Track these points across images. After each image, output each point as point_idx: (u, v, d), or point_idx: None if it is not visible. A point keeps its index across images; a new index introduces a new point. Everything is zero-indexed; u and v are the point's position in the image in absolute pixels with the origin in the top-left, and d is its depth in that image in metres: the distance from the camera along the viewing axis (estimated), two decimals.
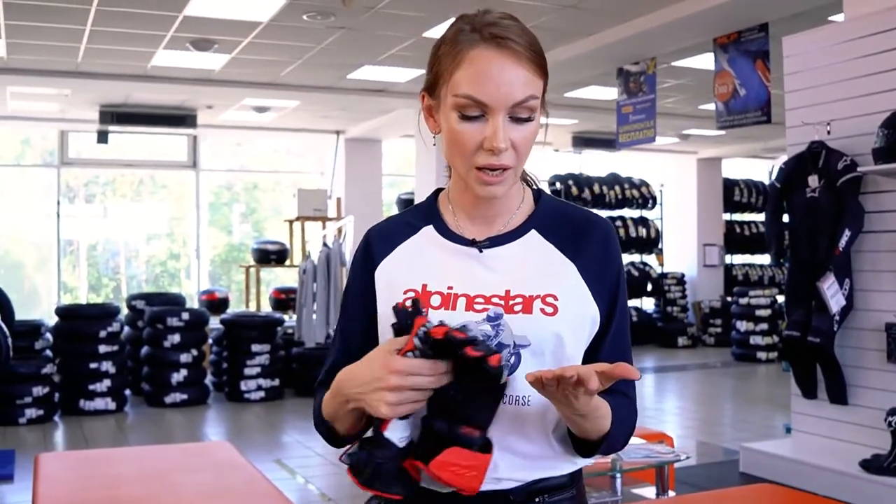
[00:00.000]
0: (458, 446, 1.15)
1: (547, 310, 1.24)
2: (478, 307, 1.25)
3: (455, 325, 1.13)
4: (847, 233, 4.74)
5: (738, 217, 14.12)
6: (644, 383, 9.53)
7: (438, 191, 1.42)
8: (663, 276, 13.37)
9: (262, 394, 8.28)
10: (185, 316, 8.12)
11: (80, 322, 7.79)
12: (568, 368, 1.08)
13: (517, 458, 1.26)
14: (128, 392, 8.14)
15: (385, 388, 1.14)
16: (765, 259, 14.17)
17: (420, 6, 6.19)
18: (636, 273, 13.07)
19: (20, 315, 7.40)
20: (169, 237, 12.48)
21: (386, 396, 1.14)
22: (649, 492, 3.89)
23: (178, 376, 7.99)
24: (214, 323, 8.85)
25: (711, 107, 7.08)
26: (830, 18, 6.06)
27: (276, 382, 8.40)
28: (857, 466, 4.58)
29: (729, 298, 12.72)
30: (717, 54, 6.52)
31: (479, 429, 1.17)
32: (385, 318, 1.29)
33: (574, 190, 12.47)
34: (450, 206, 1.37)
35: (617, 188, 12.90)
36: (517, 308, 1.25)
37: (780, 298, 10.68)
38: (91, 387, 7.58)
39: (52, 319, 8.16)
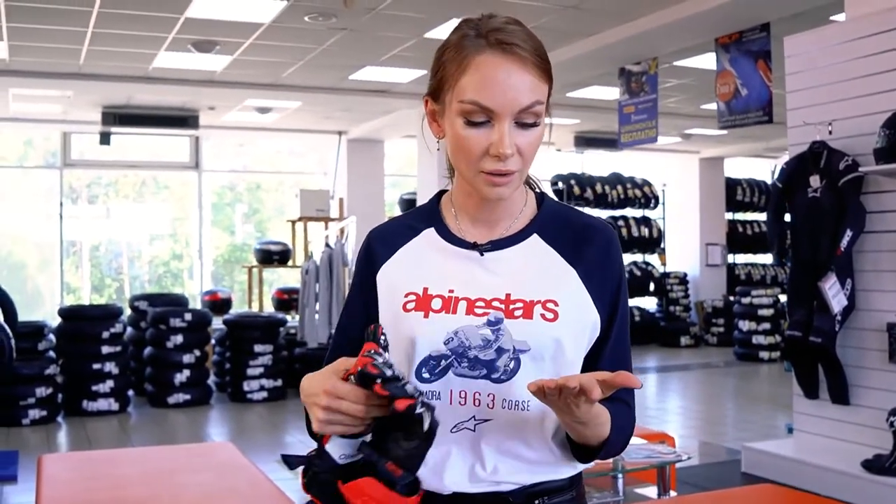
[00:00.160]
0: (378, 479, 1.14)
1: (547, 315, 1.24)
2: (478, 311, 1.25)
3: (381, 361, 1.13)
4: (849, 233, 4.73)
5: (740, 216, 14.11)
6: (646, 383, 9.53)
7: (441, 193, 1.42)
8: (666, 275, 13.36)
9: (264, 394, 8.29)
10: (188, 316, 8.12)
11: (83, 323, 7.79)
12: (571, 378, 1.08)
13: (517, 462, 1.26)
14: (131, 393, 8.15)
15: (317, 406, 1.16)
16: (767, 258, 14.14)
17: (421, 7, 6.20)
18: (639, 273, 13.05)
19: (23, 316, 7.38)
20: (171, 238, 12.50)
21: (317, 413, 1.16)
22: (651, 492, 3.90)
23: (181, 377, 8.00)
24: (217, 323, 8.86)
25: (713, 106, 7.07)
26: (832, 18, 6.06)
27: (279, 383, 8.40)
28: (859, 467, 4.57)
29: (731, 298, 12.69)
30: (719, 54, 6.52)
31: (402, 468, 1.15)
32: (385, 322, 1.30)
33: (576, 190, 12.46)
34: (452, 209, 1.36)
35: (619, 188, 12.89)
36: (517, 313, 1.25)
37: (783, 298, 10.66)
38: (94, 387, 7.59)
39: (55, 320, 8.16)
